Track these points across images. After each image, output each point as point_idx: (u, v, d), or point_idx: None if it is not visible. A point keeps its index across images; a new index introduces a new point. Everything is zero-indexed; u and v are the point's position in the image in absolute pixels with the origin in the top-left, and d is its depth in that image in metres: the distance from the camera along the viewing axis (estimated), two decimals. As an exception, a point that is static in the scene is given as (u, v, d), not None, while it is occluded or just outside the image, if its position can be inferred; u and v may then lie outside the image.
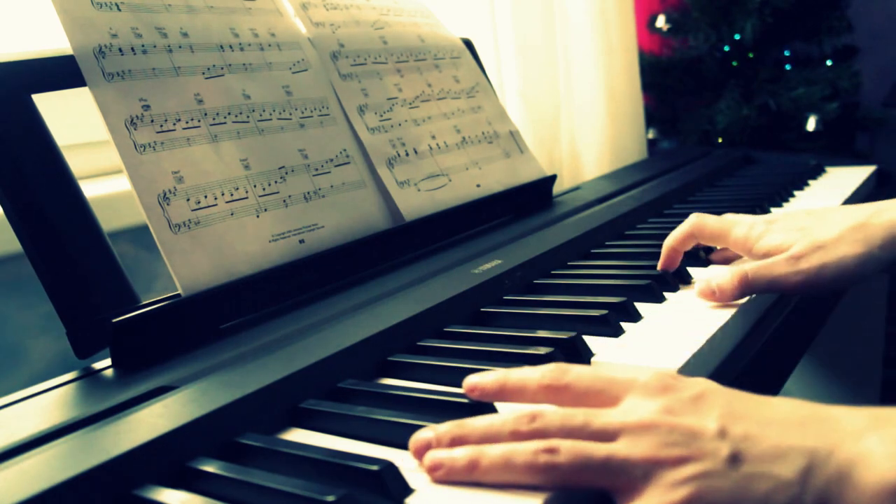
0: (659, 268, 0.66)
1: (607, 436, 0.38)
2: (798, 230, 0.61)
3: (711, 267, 0.71)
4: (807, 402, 0.39)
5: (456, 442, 0.39)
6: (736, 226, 0.65)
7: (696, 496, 0.35)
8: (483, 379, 0.43)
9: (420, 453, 0.39)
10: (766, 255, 0.61)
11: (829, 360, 1.36)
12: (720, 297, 0.58)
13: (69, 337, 0.54)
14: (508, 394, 0.43)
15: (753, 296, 0.61)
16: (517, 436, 0.38)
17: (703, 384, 0.40)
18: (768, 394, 0.40)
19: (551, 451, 0.37)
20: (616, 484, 0.36)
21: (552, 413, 0.39)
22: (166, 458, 0.39)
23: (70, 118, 0.83)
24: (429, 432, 0.40)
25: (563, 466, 0.36)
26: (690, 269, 0.70)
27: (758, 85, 1.75)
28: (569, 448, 0.37)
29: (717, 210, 0.93)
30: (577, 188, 1.11)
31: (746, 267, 0.58)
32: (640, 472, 0.36)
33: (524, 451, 0.37)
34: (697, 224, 0.66)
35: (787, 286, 0.58)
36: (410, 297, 0.61)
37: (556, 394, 0.42)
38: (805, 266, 0.57)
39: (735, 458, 0.36)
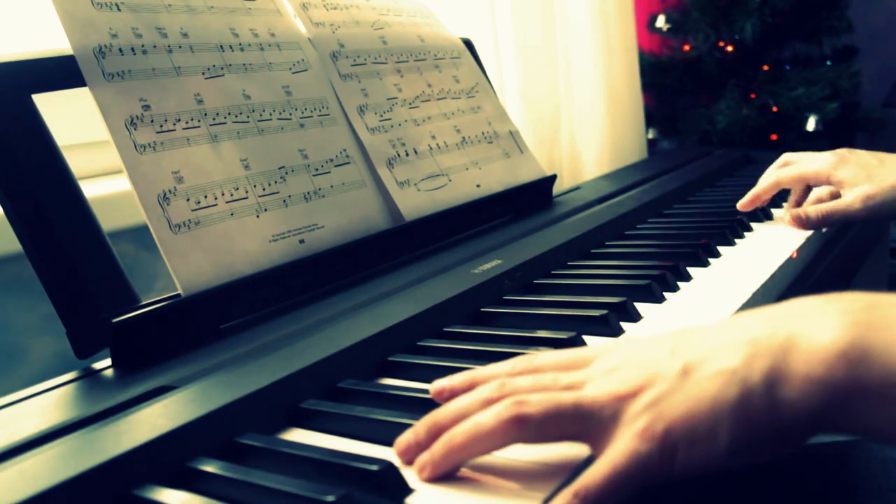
0: (745, 206, 0.86)
1: (575, 387, 0.39)
2: (864, 168, 0.78)
3: (714, 266, 0.71)
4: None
5: (433, 432, 0.39)
6: (808, 163, 0.84)
7: (656, 418, 0.35)
8: (452, 380, 0.43)
9: (406, 456, 0.39)
10: (839, 184, 0.79)
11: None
12: (806, 224, 0.79)
13: (69, 337, 0.54)
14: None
15: (754, 297, 0.61)
16: (489, 403, 0.39)
17: None
18: None
19: (520, 403, 0.37)
20: (589, 430, 0.37)
21: (521, 378, 0.40)
22: (166, 458, 0.39)
23: (70, 118, 0.83)
24: (409, 433, 0.40)
25: (535, 417, 0.37)
26: (691, 269, 0.70)
27: (758, 85, 1.75)
28: (538, 398, 0.37)
29: (718, 210, 0.93)
30: (577, 188, 1.11)
31: (825, 206, 0.78)
32: (609, 413, 0.37)
33: (493, 411, 0.37)
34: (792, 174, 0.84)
35: (857, 218, 0.77)
36: (410, 297, 0.61)
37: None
38: (871, 203, 0.75)
39: (685, 371, 0.36)
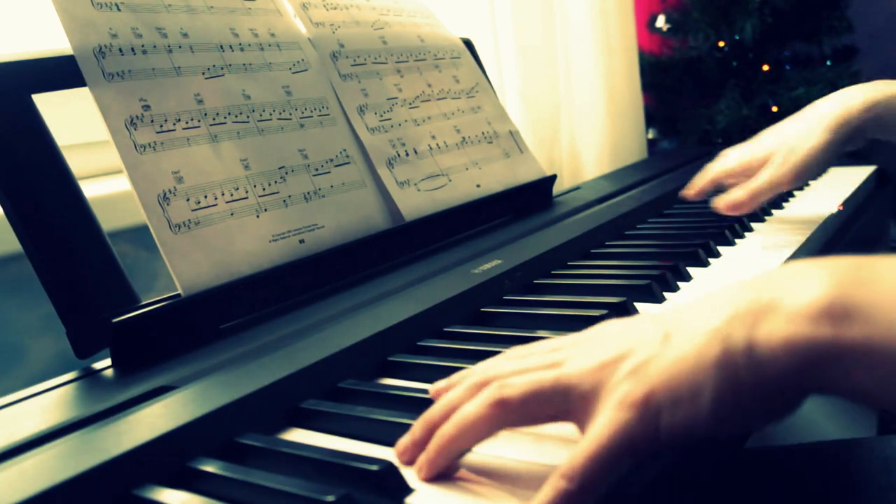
0: (690, 194, 0.87)
1: (556, 365, 0.38)
2: (777, 137, 0.81)
3: (714, 266, 0.71)
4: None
5: (427, 430, 0.39)
6: (744, 153, 0.84)
7: (637, 384, 0.34)
8: (450, 380, 0.43)
9: (405, 457, 0.39)
10: (764, 160, 0.80)
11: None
12: (739, 207, 0.79)
13: (69, 337, 0.54)
14: None
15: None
16: (476, 392, 0.39)
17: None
18: None
19: (502, 386, 0.37)
20: (572, 407, 0.36)
21: (507, 363, 0.40)
22: (166, 458, 0.39)
23: (70, 118, 0.83)
24: (406, 436, 0.40)
25: (516, 399, 0.37)
26: (691, 269, 0.70)
27: (758, 85, 1.75)
28: (519, 380, 0.37)
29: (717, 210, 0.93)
30: (577, 188, 1.11)
31: (752, 182, 0.79)
32: (589, 386, 0.36)
33: (477, 398, 0.37)
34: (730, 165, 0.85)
35: (784, 183, 0.78)
36: (410, 297, 0.61)
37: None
38: (792, 162, 0.78)
39: (666, 336, 0.36)
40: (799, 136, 0.78)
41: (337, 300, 0.63)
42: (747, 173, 0.82)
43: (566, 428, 0.39)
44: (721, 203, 0.80)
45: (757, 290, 0.35)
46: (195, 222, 0.60)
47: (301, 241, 0.67)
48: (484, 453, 0.40)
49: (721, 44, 1.80)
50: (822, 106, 0.80)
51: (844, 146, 0.78)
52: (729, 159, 0.85)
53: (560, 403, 0.37)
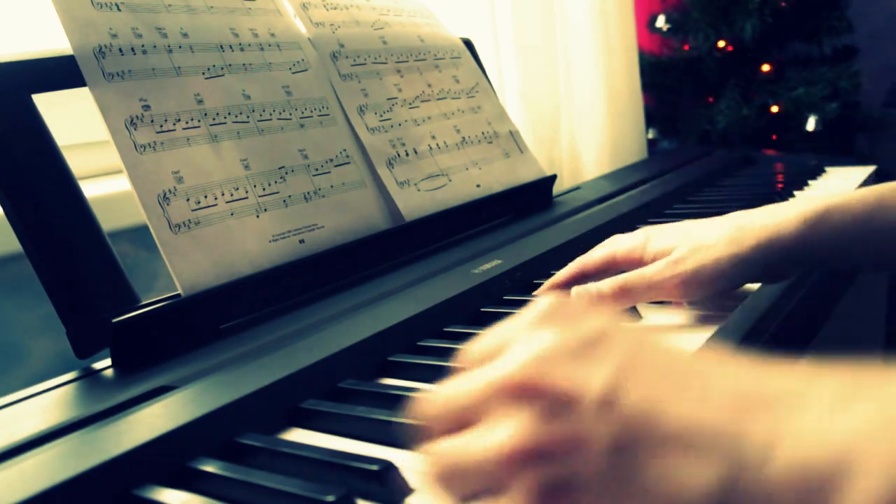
0: (557, 282, 0.61)
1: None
2: (680, 233, 0.58)
3: None
4: (749, 376, 0.28)
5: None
6: (620, 242, 0.61)
7: None
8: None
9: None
10: (654, 260, 0.58)
11: (828, 359, 1.36)
12: (599, 299, 0.55)
13: (69, 337, 0.54)
14: None
15: (753, 296, 0.61)
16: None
17: (606, 325, 0.31)
18: None
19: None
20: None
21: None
22: (166, 458, 0.39)
23: (70, 118, 0.83)
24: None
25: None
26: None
27: (758, 85, 1.76)
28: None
29: (718, 210, 0.93)
30: (577, 188, 1.11)
31: (626, 274, 0.56)
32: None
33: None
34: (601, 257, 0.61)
35: (665, 290, 0.55)
36: (410, 297, 0.61)
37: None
38: (681, 269, 0.55)
39: (620, 450, 0.27)
40: (705, 237, 0.56)
41: (337, 300, 0.63)
42: (621, 265, 0.60)
43: None
44: (577, 292, 0.57)
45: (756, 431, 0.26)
46: (195, 222, 0.60)
47: (301, 241, 0.67)
48: None
49: (721, 44, 1.80)
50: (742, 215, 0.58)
51: (765, 270, 0.56)
52: (606, 248, 0.62)
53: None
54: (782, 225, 0.55)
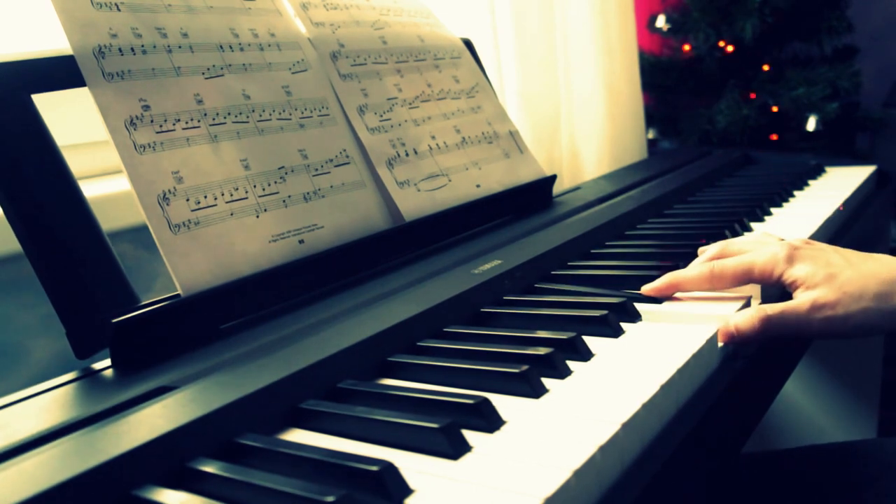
0: (651, 292, 0.63)
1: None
2: (825, 267, 0.58)
3: None
4: None
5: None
6: (757, 257, 0.61)
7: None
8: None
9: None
10: (792, 286, 0.59)
11: (829, 360, 1.36)
12: (740, 340, 0.55)
13: (69, 337, 0.54)
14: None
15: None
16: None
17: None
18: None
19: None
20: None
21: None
22: (166, 458, 0.39)
23: (70, 118, 0.83)
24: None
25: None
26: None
27: (758, 85, 1.76)
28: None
29: (718, 210, 0.93)
30: (577, 188, 1.11)
31: (769, 309, 0.56)
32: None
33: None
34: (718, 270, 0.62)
35: (811, 333, 0.57)
36: (410, 297, 0.61)
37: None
38: (830, 314, 0.56)
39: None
40: (854, 268, 0.58)
41: (337, 300, 0.63)
42: (756, 280, 0.63)
43: None
44: (721, 329, 0.56)
45: None
46: (195, 222, 0.60)
47: (301, 242, 0.67)
48: None
49: (721, 44, 1.80)
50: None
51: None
52: (740, 260, 0.62)
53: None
54: None
